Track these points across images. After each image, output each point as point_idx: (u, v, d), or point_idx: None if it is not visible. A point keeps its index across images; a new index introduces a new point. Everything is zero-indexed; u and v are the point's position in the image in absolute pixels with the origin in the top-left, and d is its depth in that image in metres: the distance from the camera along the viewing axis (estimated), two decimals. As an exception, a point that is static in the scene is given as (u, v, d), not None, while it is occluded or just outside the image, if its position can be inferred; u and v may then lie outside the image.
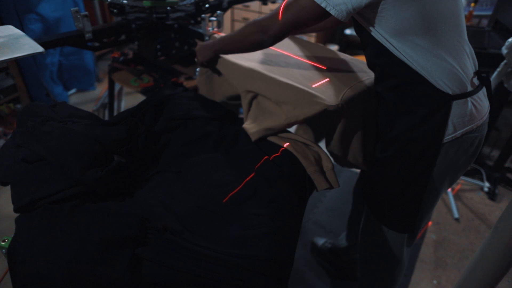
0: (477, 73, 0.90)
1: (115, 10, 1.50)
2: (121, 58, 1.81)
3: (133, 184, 0.92)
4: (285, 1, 0.88)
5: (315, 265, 1.64)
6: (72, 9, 1.30)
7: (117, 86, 2.05)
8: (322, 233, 1.81)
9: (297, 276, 1.57)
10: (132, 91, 1.83)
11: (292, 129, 1.17)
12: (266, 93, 1.10)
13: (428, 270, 1.67)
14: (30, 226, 0.70)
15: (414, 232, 1.06)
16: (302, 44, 1.34)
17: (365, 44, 0.93)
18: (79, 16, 1.29)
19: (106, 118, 2.22)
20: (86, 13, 1.31)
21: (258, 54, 1.21)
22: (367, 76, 1.10)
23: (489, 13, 2.70)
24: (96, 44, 1.46)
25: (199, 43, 1.25)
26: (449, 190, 2.10)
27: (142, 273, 0.66)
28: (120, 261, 0.65)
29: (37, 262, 0.64)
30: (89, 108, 2.63)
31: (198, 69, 1.66)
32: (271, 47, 1.28)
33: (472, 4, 2.78)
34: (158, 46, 1.60)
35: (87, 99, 2.92)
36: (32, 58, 2.39)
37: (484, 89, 0.92)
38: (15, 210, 0.75)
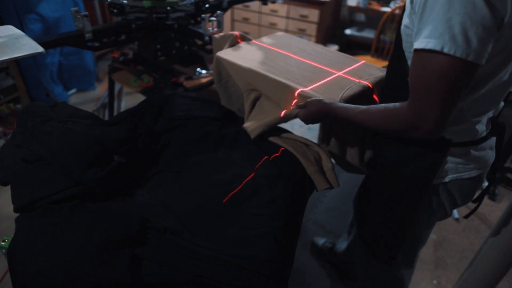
0: (493, 119, 0.80)
1: (115, 10, 1.50)
2: (121, 58, 1.81)
3: (133, 184, 0.91)
4: (411, 80, 0.66)
5: (315, 265, 1.64)
6: (72, 9, 1.30)
7: (117, 86, 2.05)
8: (322, 233, 1.81)
9: (297, 276, 1.57)
10: (132, 91, 1.83)
11: (294, 130, 1.17)
12: (266, 93, 1.10)
13: (428, 270, 1.67)
14: (30, 226, 0.70)
15: (392, 266, 1.05)
16: (302, 44, 1.34)
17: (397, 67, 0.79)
18: (79, 16, 1.29)
19: (106, 118, 2.22)
20: (86, 13, 1.31)
21: (258, 54, 1.21)
22: (367, 76, 1.10)
23: None
24: (96, 44, 1.46)
25: (312, 101, 0.94)
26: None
27: (142, 273, 0.66)
28: (120, 261, 0.65)
29: (37, 262, 0.64)
30: (89, 108, 2.63)
31: (198, 70, 1.67)
32: (271, 47, 1.28)
33: None
34: (158, 46, 1.60)
35: (87, 99, 2.92)
36: (32, 58, 2.39)
37: (492, 140, 0.83)
38: (15, 210, 0.75)
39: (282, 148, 1.02)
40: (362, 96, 1.04)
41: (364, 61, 1.21)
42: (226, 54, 1.21)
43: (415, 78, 0.65)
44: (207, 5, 1.69)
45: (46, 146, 0.83)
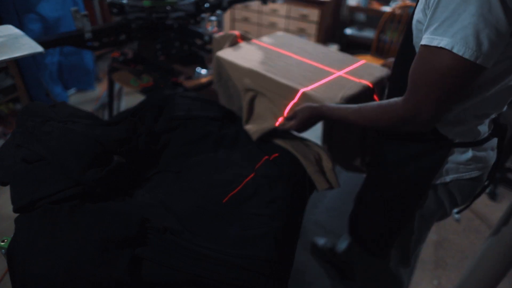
0: (495, 121, 0.80)
1: (115, 10, 1.50)
2: (121, 58, 1.80)
3: (133, 184, 0.91)
4: (413, 74, 0.67)
5: (315, 265, 1.64)
6: (71, 9, 1.30)
7: (117, 86, 2.05)
8: (322, 233, 1.81)
9: (297, 276, 1.57)
10: (132, 91, 1.83)
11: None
12: (265, 93, 1.10)
13: (428, 270, 1.67)
14: (30, 226, 0.70)
15: (384, 258, 1.05)
16: (302, 44, 1.34)
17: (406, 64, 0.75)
18: (78, 16, 1.29)
19: (106, 118, 2.22)
20: (86, 13, 1.31)
21: (258, 54, 1.21)
22: (368, 76, 1.10)
23: None
24: (96, 44, 1.46)
25: (302, 109, 0.94)
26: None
27: (142, 273, 0.66)
28: (120, 261, 0.65)
29: (37, 262, 0.64)
30: (89, 108, 2.63)
31: (197, 69, 1.66)
32: (271, 47, 1.28)
33: None
34: (158, 46, 1.59)
35: (87, 99, 2.92)
36: (31, 58, 2.38)
37: (494, 141, 0.82)
38: (15, 210, 0.75)
39: (282, 148, 1.02)
40: (362, 95, 1.04)
41: (364, 61, 1.21)
42: (226, 53, 1.21)
43: (418, 72, 0.65)
44: (207, 5, 1.69)
45: (46, 146, 0.83)
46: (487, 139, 0.80)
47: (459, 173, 0.81)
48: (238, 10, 3.63)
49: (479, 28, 0.56)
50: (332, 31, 3.62)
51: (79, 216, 0.71)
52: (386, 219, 0.95)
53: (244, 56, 1.19)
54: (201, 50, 1.70)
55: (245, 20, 3.64)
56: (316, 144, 1.04)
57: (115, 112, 2.12)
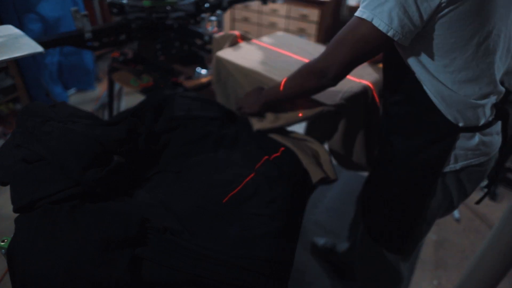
0: (497, 105, 0.81)
1: (115, 10, 1.50)
2: (121, 58, 1.80)
3: (133, 184, 0.91)
4: (337, 36, 0.78)
5: (315, 265, 1.64)
6: (71, 9, 1.30)
7: (117, 86, 2.05)
8: (322, 233, 1.81)
9: (297, 276, 1.57)
10: (132, 91, 1.83)
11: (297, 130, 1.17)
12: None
13: (428, 271, 1.67)
14: (30, 226, 0.70)
15: (405, 255, 1.04)
16: (302, 44, 1.34)
17: (389, 58, 0.85)
18: (78, 16, 1.29)
19: (106, 118, 2.22)
20: (86, 13, 1.31)
21: (258, 54, 1.21)
22: (367, 75, 1.10)
23: None
24: (96, 44, 1.46)
25: (245, 95, 1.12)
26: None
27: (142, 273, 0.66)
28: (120, 261, 0.65)
29: (37, 262, 0.64)
30: (89, 108, 2.63)
31: (197, 69, 1.66)
32: (271, 47, 1.28)
33: None
34: (158, 46, 1.59)
35: (87, 99, 2.92)
36: (31, 58, 2.38)
37: (498, 124, 0.84)
38: (15, 210, 0.75)
39: (282, 148, 1.02)
40: (363, 95, 1.04)
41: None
42: (226, 54, 1.21)
43: (339, 35, 0.77)
44: (207, 5, 1.69)
45: (46, 146, 0.83)
46: (491, 123, 0.81)
47: (468, 159, 0.82)
48: (238, 10, 3.64)
49: (391, 6, 0.67)
50: (332, 31, 3.62)
51: (79, 216, 0.71)
52: (398, 212, 0.95)
53: (244, 56, 1.19)
54: (201, 50, 1.70)
55: (245, 20, 3.65)
56: (314, 140, 1.04)
57: (115, 112, 2.12)
